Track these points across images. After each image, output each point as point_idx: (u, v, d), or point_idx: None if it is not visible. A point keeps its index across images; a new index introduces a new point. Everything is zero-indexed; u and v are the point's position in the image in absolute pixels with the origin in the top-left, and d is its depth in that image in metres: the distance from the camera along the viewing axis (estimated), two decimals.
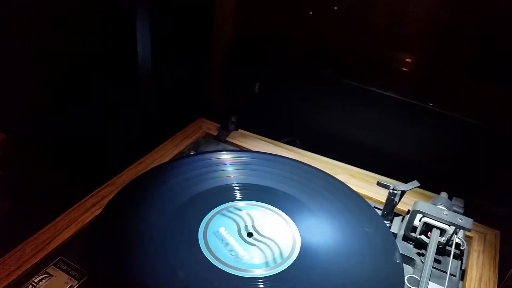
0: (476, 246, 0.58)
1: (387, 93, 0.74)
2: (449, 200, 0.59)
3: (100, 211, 0.54)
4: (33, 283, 0.45)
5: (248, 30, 0.85)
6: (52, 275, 0.46)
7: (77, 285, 0.45)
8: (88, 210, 0.55)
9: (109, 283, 0.45)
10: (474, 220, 0.59)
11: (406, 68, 0.75)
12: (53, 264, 0.47)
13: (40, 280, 0.45)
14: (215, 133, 0.73)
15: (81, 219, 0.53)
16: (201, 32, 0.85)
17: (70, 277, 0.46)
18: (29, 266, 0.46)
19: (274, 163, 0.64)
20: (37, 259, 0.47)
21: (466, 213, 0.57)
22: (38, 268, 0.46)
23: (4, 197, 0.61)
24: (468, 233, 0.58)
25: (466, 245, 0.56)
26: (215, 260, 0.48)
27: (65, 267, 0.47)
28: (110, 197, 0.56)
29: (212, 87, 0.89)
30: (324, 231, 0.54)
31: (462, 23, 0.67)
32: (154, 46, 0.72)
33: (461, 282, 0.52)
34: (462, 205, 0.59)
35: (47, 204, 0.56)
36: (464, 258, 0.55)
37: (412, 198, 0.59)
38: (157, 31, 0.72)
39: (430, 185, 0.65)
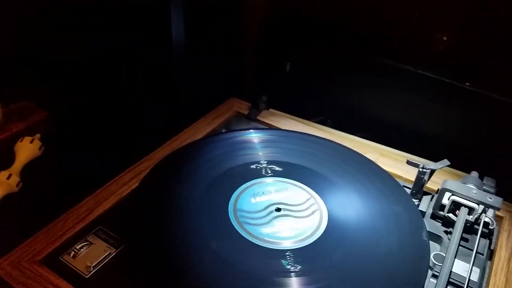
0: (507, 226, 0.57)
1: (419, 71, 0.73)
2: (479, 180, 0.58)
3: (137, 184, 0.57)
4: (75, 249, 0.48)
5: (280, 9, 0.85)
6: (92, 243, 0.49)
7: (114, 253, 0.48)
8: (126, 183, 0.57)
9: (144, 251, 0.48)
10: (506, 201, 0.59)
11: (439, 46, 0.73)
12: (93, 233, 0.50)
13: (82, 247, 0.48)
14: (246, 112, 0.75)
15: (119, 192, 0.56)
16: (234, 12, 0.86)
17: (108, 245, 0.49)
18: (71, 234, 0.50)
19: (302, 141, 0.65)
20: (78, 228, 0.50)
21: (498, 193, 0.57)
22: (80, 236, 0.50)
23: (48, 171, 0.65)
24: (498, 213, 0.57)
25: (496, 225, 0.55)
26: (245, 232, 0.50)
27: (104, 236, 0.50)
28: (146, 172, 0.59)
29: (244, 67, 0.91)
30: (351, 208, 0.55)
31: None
32: (188, 27, 0.74)
33: (489, 262, 0.52)
34: (493, 185, 0.59)
35: (87, 178, 0.59)
36: (494, 237, 0.55)
37: (443, 178, 0.59)
38: (191, 12, 0.74)
39: (463, 165, 0.64)
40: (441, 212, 0.55)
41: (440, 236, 0.53)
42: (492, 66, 0.69)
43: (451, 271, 0.47)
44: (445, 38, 0.73)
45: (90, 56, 0.75)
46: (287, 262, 0.47)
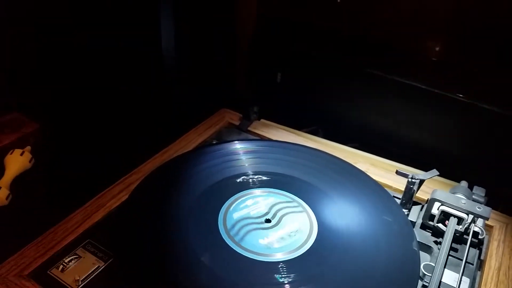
0: (497, 236, 0.57)
1: (410, 82, 0.73)
2: (468, 189, 0.58)
3: (126, 197, 0.57)
4: (63, 263, 0.48)
5: (270, 19, 0.86)
6: (81, 256, 0.49)
7: (103, 266, 0.48)
8: (115, 196, 0.57)
9: (134, 264, 0.47)
10: (497, 210, 0.59)
11: (429, 57, 0.74)
12: (82, 246, 0.50)
13: (70, 261, 0.48)
14: (237, 123, 0.75)
15: (108, 205, 0.56)
16: (225, 24, 0.86)
17: (97, 258, 0.49)
18: (60, 248, 0.49)
19: (293, 151, 0.65)
20: (67, 241, 0.50)
21: (489, 203, 0.57)
22: (68, 249, 0.50)
23: (37, 183, 0.65)
24: (488, 222, 0.57)
25: (486, 234, 0.56)
26: (236, 246, 0.50)
27: (93, 249, 0.50)
28: (136, 184, 0.59)
29: (235, 78, 0.91)
30: (342, 219, 0.55)
31: (490, 10, 0.66)
32: (178, 38, 0.74)
33: (478, 272, 0.52)
34: (483, 194, 0.59)
35: (77, 191, 0.59)
36: (484, 247, 0.55)
37: (433, 187, 0.59)
38: (181, 23, 0.74)
39: (453, 175, 0.65)
40: (430, 222, 0.55)
41: (430, 246, 0.54)
42: (483, 77, 0.70)
43: (440, 281, 0.47)
44: (436, 48, 0.73)
45: (78, 62, 0.74)
46: (279, 275, 0.47)
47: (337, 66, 0.81)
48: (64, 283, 0.46)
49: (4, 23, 0.65)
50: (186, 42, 0.77)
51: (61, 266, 0.47)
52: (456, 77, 0.72)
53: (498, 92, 0.69)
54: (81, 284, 0.46)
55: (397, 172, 0.59)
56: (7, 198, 0.59)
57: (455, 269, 0.51)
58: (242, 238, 0.51)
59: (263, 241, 0.51)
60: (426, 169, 0.60)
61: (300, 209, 0.56)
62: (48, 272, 0.47)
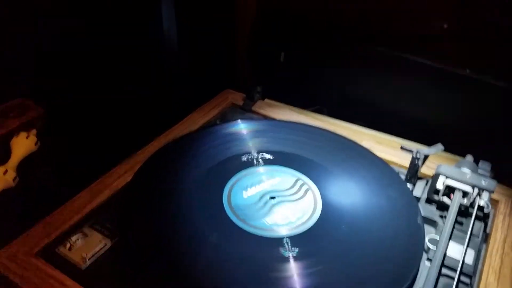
0: (502, 209, 0.57)
1: (413, 58, 0.73)
2: (474, 164, 0.58)
3: (131, 177, 0.57)
4: (70, 241, 0.48)
5: (274, 1, 0.85)
6: (87, 235, 0.49)
7: (110, 244, 0.48)
8: (121, 176, 0.58)
9: (139, 242, 0.48)
10: (503, 184, 0.59)
11: (433, 32, 0.73)
12: (88, 225, 0.50)
13: (77, 239, 0.49)
14: (241, 103, 0.75)
15: (114, 185, 0.56)
16: (227, 3, 0.86)
17: (104, 236, 0.49)
18: (67, 227, 0.50)
19: (296, 130, 0.65)
20: (74, 220, 0.51)
21: (496, 177, 0.57)
22: (75, 228, 0.50)
23: (44, 165, 0.65)
24: (494, 196, 0.57)
25: (492, 208, 0.55)
26: (240, 222, 0.50)
27: (99, 228, 0.50)
28: (141, 164, 0.59)
29: (239, 58, 0.91)
30: (346, 195, 0.55)
31: None
32: (179, 18, 0.73)
33: (484, 245, 0.52)
34: (489, 169, 0.58)
35: (82, 172, 0.59)
36: (490, 221, 0.55)
37: (438, 163, 0.59)
38: (183, 4, 0.74)
39: (459, 150, 0.64)
40: (435, 197, 0.55)
41: (435, 220, 0.54)
42: (488, 51, 0.69)
43: (445, 254, 0.47)
44: (440, 24, 0.72)
45: (82, 52, 0.75)
46: (285, 249, 0.47)
47: (341, 44, 0.80)
48: (72, 261, 0.46)
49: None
50: (187, 24, 0.77)
51: (68, 245, 0.48)
52: (461, 52, 0.71)
53: (503, 67, 0.68)
54: (88, 262, 0.46)
55: (402, 148, 0.58)
56: (14, 180, 0.60)
57: (460, 242, 0.51)
58: (246, 215, 0.51)
59: (267, 218, 0.51)
60: (430, 145, 0.60)
61: (304, 186, 0.56)
62: (55, 250, 0.48)
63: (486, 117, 0.72)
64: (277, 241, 0.48)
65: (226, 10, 0.87)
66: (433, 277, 0.43)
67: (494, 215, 0.56)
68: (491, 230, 0.54)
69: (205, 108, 0.73)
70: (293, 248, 0.47)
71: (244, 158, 0.59)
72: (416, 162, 0.57)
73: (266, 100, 0.76)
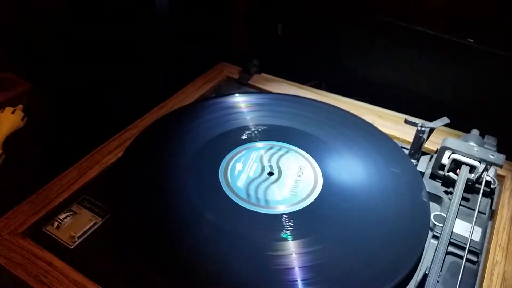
0: (509, 185, 0.55)
1: (416, 28, 0.70)
2: (480, 138, 0.56)
3: (122, 153, 0.54)
4: (58, 220, 0.46)
5: None
6: (76, 213, 0.47)
7: (100, 222, 0.46)
8: (111, 152, 0.55)
9: (131, 220, 0.45)
10: (508, 159, 0.57)
11: (435, 2, 0.70)
12: (77, 202, 0.48)
13: (66, 218, 0.46)
14: (237, 77, 0.72)
15: (104, 161, 0.54)
16: None
17: (94, 214, 0.47)
18: (55, 205, 0.47)
19: (295, 104, 0.63)
20: (62, 198, 0.48)
21: (500, 153, 0.55)
22: (64, 206, 0.48)
23: (32, 143, 0.62)
24: (500, 172, 0.55)
25: (498, 184, 0.54)
26: (237, 199, 0.48)
27: (89, 205, 0.48)
28: (132, 140, 0.56)
29: (234, 30, 0.87)
30: (348, 171, 0.52)
31: None
32: None
33: (490, 222, 0.50)
34: (495, 143, 0.56)
35: (71, 149, 0.56)
36: (496, 197, 0.53)
37: (442, 138, 0.57)
38: None
39: (463, 125, 0.62)
40: (441, 172, 0.53)
41: (440, 196, 0.52)
42: (493, 21, 0.66)
43: (452, 232, 0.45)
44: None
45: (73, 25, 0.71)
46: (284, 226, 0.45)
47: (342, 14, 0.76)
48: (60, 240, 0.44)
49: None
50: None
51: (56, 223, 0.46)
52: (465, 22, 0.68)
53: (509, 38, 0.65)
54: (78, 240, 0.44)
55: (406, 121, 0.56)
56: None
57: (466, 218, 0.49)
58: (243, 191, 0.49)
59: (266, 194, 0.49)
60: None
61: (304, 160, 0.53)
62: (43, 229, 0.45)
63: (490, 90, 0.70)
64: (276, 218, 0.46)
65: None
66: (441, 255, 0.41)
67: (500, 191, 0.54)
68: (497, 206, 0.52)
69: (199, 81, 0.70)
70: (292, 226, 0.45)
71: (241, 133, 0.57)
72: (421, 135, 0.54)
73: (263, 74, 0.73)
